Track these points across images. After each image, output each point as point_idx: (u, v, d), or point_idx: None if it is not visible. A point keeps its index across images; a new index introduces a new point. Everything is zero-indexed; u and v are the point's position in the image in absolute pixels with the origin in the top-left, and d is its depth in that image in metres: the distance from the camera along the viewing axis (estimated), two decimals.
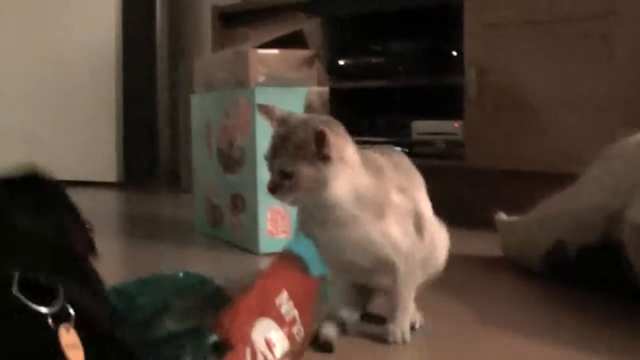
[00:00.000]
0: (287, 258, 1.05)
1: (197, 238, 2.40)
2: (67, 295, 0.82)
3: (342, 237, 1.21)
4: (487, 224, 2.05)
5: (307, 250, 1.09)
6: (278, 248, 2.01)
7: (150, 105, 4.37)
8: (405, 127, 2.70)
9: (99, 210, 3.23)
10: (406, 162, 1.37)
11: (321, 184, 1.15)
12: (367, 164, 1.22)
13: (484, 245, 2.14)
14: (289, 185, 1.15)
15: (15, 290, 0.79)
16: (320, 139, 1.12)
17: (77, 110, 4.17)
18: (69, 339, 0.79)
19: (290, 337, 0.99)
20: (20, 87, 4.31)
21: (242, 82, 2.14)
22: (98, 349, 0.82)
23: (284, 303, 1.00)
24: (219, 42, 3.38)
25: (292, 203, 1.20)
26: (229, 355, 0.87)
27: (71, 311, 0.81)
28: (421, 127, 2.66)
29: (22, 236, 0.89)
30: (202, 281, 1.21)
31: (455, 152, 2.55)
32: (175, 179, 4.05)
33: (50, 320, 0.79)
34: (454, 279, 1.77)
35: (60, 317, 0.80)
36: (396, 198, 1.26)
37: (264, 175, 2.02)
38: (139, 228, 2.72)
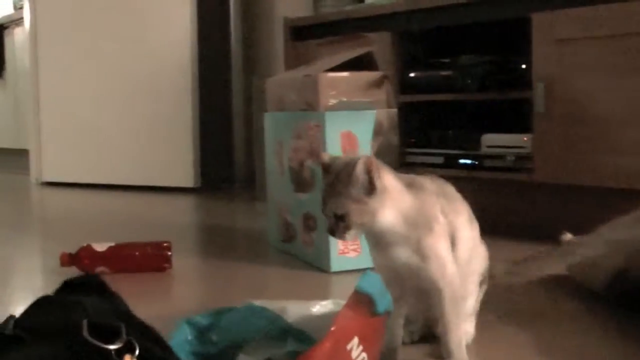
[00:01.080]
0: (358, 300, 1.10)
1: (270, 253, 2.48)
2: (129, 333, 0.95)
3: (395, 254, 1.31)
4: (554, 239, 2.07)
5: (375, 287, 1.14)
6: (349, 267, 2.11)
7: (226, 113, 4.49)
8: (474, 140, 2.73)
9: (176, 218, 3.34)
10: (450, 189, 1.45)
11: (371, 216, 1.26)
12: (409, 186, 1.33)
13: (551, 262, 2.16)
14: (343, 225, 1.26)
15: (85, 333, 0.92)
16: (369, 169, 1.24)
17: (157, 120, 4.31)
18: None
19: None
20: (106, 102, 4.49)
21: (312, 105, 2.20)
22: None
23: (355, 348, 1.05)
24: (291, 54, 3.45)
25: (352, 238, 1.29)
26: None
27: (136, 345, 0.94)
28: (491, 140, 2.68)
29: (86, 302, 1.06)
30: (275, 319, 1.27)
31: (525, 166, 2.56)
32: (251, 185, 4.14)
33: (114, 354, 0.91)
34: (516, 299, 1.82)
35: (123, 351, 0.92)
36: (440, 216, 1.35)
37: None
38: (214, 239, 2.80)
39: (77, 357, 0.91)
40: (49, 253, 2.55)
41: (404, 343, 1.46)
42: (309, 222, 2.24)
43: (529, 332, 1.56)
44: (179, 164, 4.25)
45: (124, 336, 0.94)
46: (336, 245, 2.14)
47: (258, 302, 1.36)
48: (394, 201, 1.28)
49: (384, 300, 1.14)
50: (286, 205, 2.39)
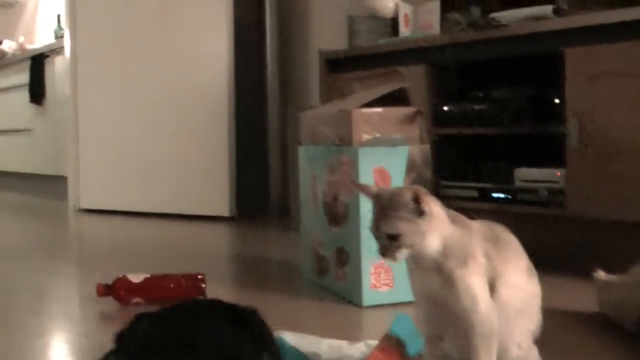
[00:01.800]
0: (389, 342, 1.12)
1: (303, 285, 2.50)
2: None
3: (430, 281, 1.35)
4: (587, 274, 2.08)
5: (406, 330, 1.16)
6: (381, 301, 2.13)
7: (261, 143, 4.53)
8: (508, 173, 2.74)
9: (211, 247, 3.37)
10: (507, 237, 1.45)
11: (421, 237, 1.31)
12: (453, 219, 1.37)
13: (583, 297, 2.17)
14: (395, 245, 1.30)
15: None
16: (418, 196, 1.30)
17: (193, 149, 4.36)
18: None
19: None
20: (143, 130, 4.56)
21: (345, 140, 2.22)
22: None
23: None
24: (327, 86, 3.48)
25: (403, 259, 1.33)
26: None
27: None
28: (524, 174, 2.69)
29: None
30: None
31: (557, 201, 2.57)
32: (286, 214, 4.17)
33: None
34: (550, 336, 1.82)
35: None
36: (479, 256, 1.37)
37: (367, 230, 2.12)
38: (248, 270, 2.83)
39: None
40: (86, 281, 2.59)
41: None
42: (341, 256, 2.26)
43: None
44: (215, 193, 4.30)
45: None
46: (368, 280, 2.16)
47: (290, 336, 1.37)
48: (438, 228, 1.33)
49: (415, 342, 1.16)
50: (319, 239, 2.42)
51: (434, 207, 1.34)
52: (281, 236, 3.69)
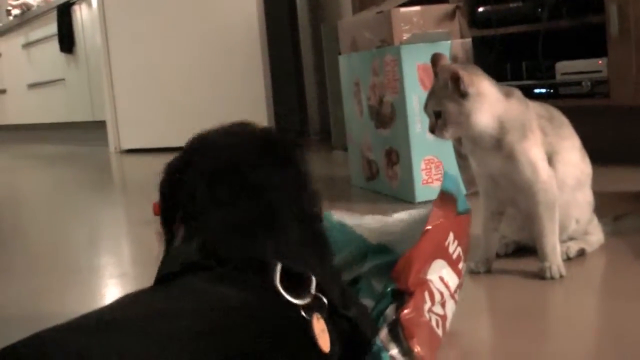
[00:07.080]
0: (444, 200, 1.13)
1: (354, 192, 2.53)
2: (318, 285, 0.86)
3: (490, 160, 1.39)
4: (635, 160, 2.08)
5: (457, 187, 1.16)
6: (433, 196, 2.11)
7: (296, 67, 4.53)
8: (549, 69, 2.72)
9: None
10: (560, 117, 1.49)
11: (465, 117, 1.34)
12: (507, 93, 1.39)
13: (633, 181, 2.17)
14: (441, 123, 1.35)
15: (276, 280, 0.83)
16: (455, 78, 1.33)
17: (227, 81, 4.38)
18: (319, 326, 0.83)
19: (458, 273, 1.09)
20: (177, 67, 4.59)
21: (386, 40, 2.23)
22: (335, 328, 0.86)
23: (451, 243, 1.09)
24: (358, 2, 3.47)
25: (450, 137, 1.38)
26: (409, 300, 0.97)
27: (324, 300, 0.85)
28: (565, 67, 2.67)
29: (276, 214, 0.94)
30: (354, 237, 1.29)
31: (601, 91, 2.55)
32: (326, 136, 4.18)
33: (302, 311, 0.82)
34: (608, 213, 1.83)
35: (312, 307, 0.83)
36: (537, 130, 1.40)
37: (415, 128, 2.14)
38: None
39: (266, 310, 0.81)
40: (135, 207, 2.64)
41: (498, 255, 1.51)
42: (391, 157, 2.28)
43: (626, 241, 1.58)
44: (253, 120, 4.30)
45: (313, 291, 0.85)
46: (420, 176, 2.18)
47: (336, 215, 1.35)
48: (490, 106, 1.35)
49: (463, 199, 1.16)
50: (367, 144, 2.44)
51: (483, 85, 1.36)
52: (324, 156, 3.71)
